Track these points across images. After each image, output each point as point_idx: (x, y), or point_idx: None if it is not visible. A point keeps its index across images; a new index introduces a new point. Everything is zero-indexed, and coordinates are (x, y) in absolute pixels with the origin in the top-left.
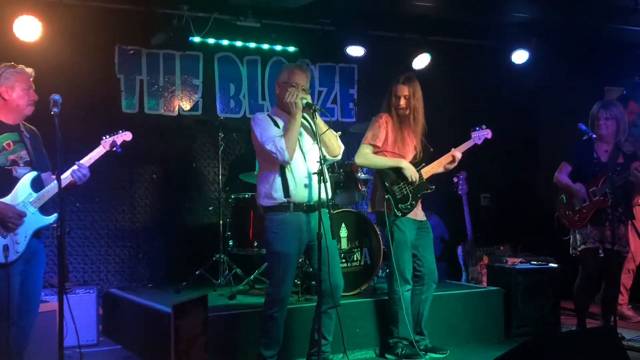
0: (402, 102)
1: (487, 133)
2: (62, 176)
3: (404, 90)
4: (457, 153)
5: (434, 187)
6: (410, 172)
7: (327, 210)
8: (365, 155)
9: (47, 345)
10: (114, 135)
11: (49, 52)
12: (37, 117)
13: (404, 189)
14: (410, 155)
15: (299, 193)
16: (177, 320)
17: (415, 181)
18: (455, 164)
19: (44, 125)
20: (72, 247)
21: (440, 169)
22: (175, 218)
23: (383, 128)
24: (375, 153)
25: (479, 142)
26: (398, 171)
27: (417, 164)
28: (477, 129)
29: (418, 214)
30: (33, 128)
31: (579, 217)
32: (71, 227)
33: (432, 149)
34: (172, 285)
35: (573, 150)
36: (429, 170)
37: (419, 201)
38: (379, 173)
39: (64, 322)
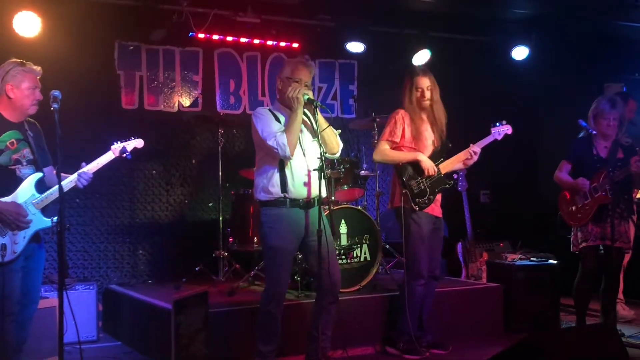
0: (427, 94)
1: (507, 129)
2: (66, 180)
3: (426, 81)
4: (476, 148)
5: (452, 182)
6: (426, 165)
7: (328, 207)
8: (383, 152)
9: (47, 341)
10: (125, 141)
11: (49, 47)
12: (37, 113)
13: (421, 184)
14: (429, 151)
15: (297, 189)
16: (177, 316)
17: (432, 174)
18: (475, 159)
19: (43, 121)
20: (72, 243)
21: (459, 165)
22: (175, 214)
23: (400, 124)
24: (393, 149)
25: (499, 138)
26: (415, 166)
27: (436, 158)
28: (498, 124)
29: (435, 209)
30: (35, 123)
31: (582, 214)
32: (71, 223)
33: (450, 145)
34: (172, 282)
35: (572, 148)
36: (447, 165)
37: (437, 196)
38: (396, 169)
39: (64, 318)
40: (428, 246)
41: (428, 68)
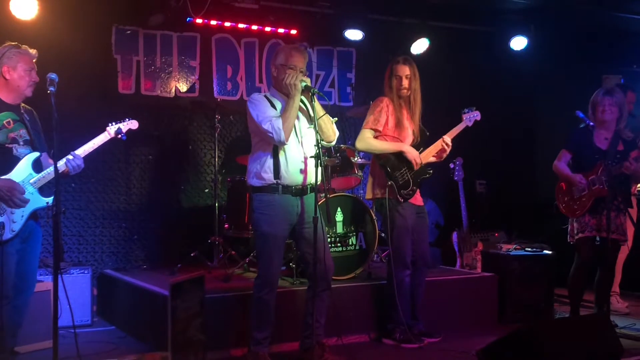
0: (405, 82)
1: (476, 115)
2: (57, 164)
3: (405, 70)
4: (448, 140)
5: (432, 171)
6: (413, 156)
7: (325, 195)
8: (367, 140)
9: (42, 325)
10: (120, 122)
11: (46, 31)
12: (33, 96)
13: (405, 175)
14: (409, 140)
15: (290, 176)
16: (174, 300)
17: (419, 165)
18: (448, 151)
19: (40, 104)
20: (67, 228)
21: (433, 158)
22: (171, 200)
23: (384, 112)
24: (375, 137)
25: (470, 124)
26: (399, 156)
27: (416, 147)
28: (467, 110)
29: (417, 198)
30: (31, 109)
31: (578, 206)
32: (66, 207)
33: (428, 133)
34: (167, 267)
35: (572, 137)
36: (426, 155)
37: (419, 186)
38: (379, 159)
39: (59, 302)
40: (413, 236)
41: (419, 58)
